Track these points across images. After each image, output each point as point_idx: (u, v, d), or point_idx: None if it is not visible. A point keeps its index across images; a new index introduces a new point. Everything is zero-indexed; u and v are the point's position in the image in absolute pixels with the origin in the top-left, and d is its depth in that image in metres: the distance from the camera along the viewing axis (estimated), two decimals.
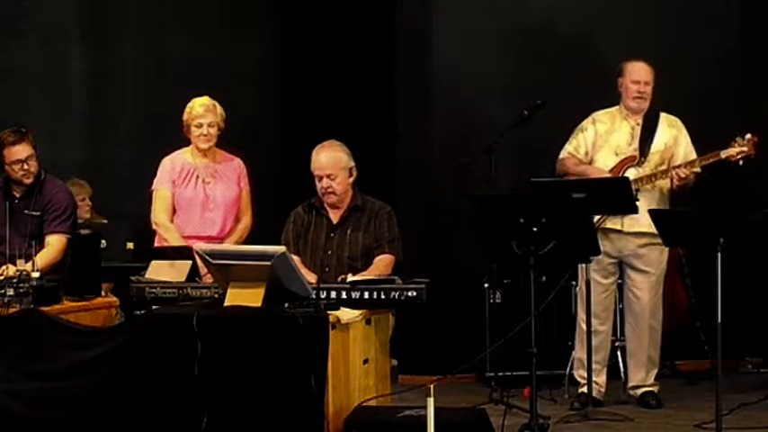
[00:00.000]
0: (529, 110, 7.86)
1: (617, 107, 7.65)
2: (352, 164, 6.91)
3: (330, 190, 6.85)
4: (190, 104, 7.39)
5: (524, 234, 6.54)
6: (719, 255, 6.32)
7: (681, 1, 8.81)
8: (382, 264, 6.77)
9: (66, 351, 6.14)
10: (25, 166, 6.94)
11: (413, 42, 8.80)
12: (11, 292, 6.26)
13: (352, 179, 6.91)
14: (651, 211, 6.80)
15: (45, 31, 8.94)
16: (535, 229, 6.51)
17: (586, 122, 7.66)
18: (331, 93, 8.94)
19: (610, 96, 7.79)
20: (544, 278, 7.59)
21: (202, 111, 7.36)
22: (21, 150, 6.92)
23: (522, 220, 6.53)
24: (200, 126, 7.36)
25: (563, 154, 7.66)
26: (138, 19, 9.06)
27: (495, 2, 8.72)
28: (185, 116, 7.38)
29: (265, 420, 5.77)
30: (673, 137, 7.55)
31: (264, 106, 9.06)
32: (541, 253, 6.54)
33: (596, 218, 7.38)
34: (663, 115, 7.61)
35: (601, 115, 7.66)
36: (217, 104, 7.41)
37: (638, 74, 7.55)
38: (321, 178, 6.86)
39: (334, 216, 6.92)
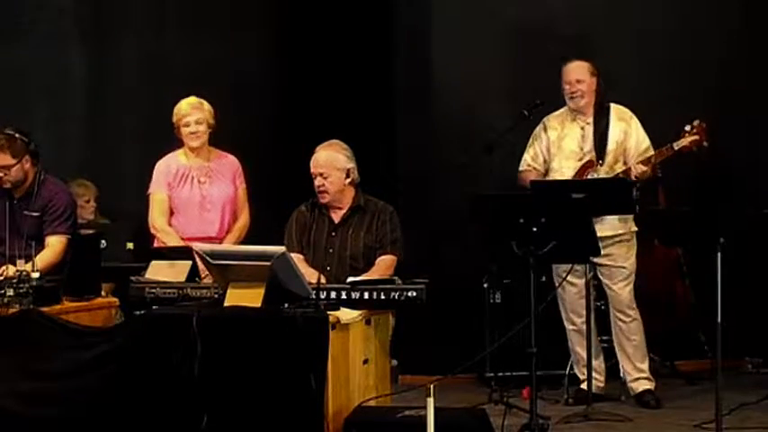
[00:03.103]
0: (529, 110, 7.86)
1: (565, 108, 7.71)
2: (351, 165, 6.90)
3: (323, 189, 6.86)
4: (177, 106, 7.42)
5: (524, 234, 6.54)
6: (719, 255, 6.32)
7: (680, 2, 8.80)
8: (384, 265, 6.78)
9: (66, 351, 6.14)
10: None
11: (413, 42, 8.80)
12: (11, 292, 6.26)
13: (348, 180, 6.90)
14: (651, 212, 6.81)
15: (45, 31, 8.93)
16: (535, 229, 6.51)
17: (539, 129, 7.74)
18: (330, 93, 8.93)
19: (609, 97, 7.78)
20: (544, 278, 7.60)
21: (189, 109, 7.37)
22: None
23: (522, 220, 6.54)
24: (188, 125, 7.37)
25: (522, 166, 7.75)
26: (138, 19, 9.06)
27: (495, 2, 8.72)
28: (174, 118, 7.40)
29: (265, 420, 5.77)
30: (623, 131, 7.57)
31: (264, 106, 9.05)
32: (541, 253, 6.54)
33: None
34: (613, 108, 7.63)
35: (552, 120, 7.72)
36: (204, 102, 7.42)
37: (567, 74, 7.65)
38: (315, 176, 6.88)
39: (336, 216, 6.93)
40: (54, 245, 6.91)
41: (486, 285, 8.27)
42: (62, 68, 8.98)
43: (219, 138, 7.55)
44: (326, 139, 7.02)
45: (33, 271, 6.36)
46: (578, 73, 7.62)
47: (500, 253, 7.23)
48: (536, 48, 8.64)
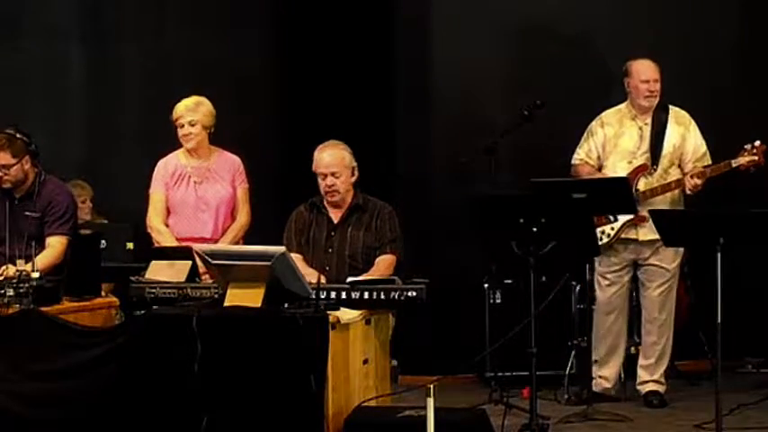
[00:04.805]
0: (529, 110, 7.86)
1: (624, 105, 7.64)
2: (354, 163, 6.92)
3: (334, 188, 6.86)
4: (176, 106, 7.41)
5: (524, 234, 6.54)
6: (719, 255, 6.32)
7: (681, 1, 8.80)
8: (384, 264, 6.78)
9: (67, 351, 6.15)
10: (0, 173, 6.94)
11: (413, 42, 8.80)
12: (11, 292, 6.26)
13: (353, 178, 6.92)
14: (651, 212, 6.81)
15: (45, 31, 8.93)
16: (535, 229, 6.51)
17: (595, 125, 7.64)
18: (331, 93, 8.93)
19: (610, 96, 7.79)
20: (544, 278, 7.59)
21: (183, 111, 7.36)
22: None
23: (522, 220, 6.53)
24: (182, 126, 7.37)
25: (576, 160, 7.67)
26: (138, 19, 9.05)
27: (495, 2, 8.72)
28: (172, 117, 7.40)
29: (265, 420, 5.78)
30: (681, 135, 7.54)
31: (264, 106, 9.05)
32: (541, 253, 6.54)
33: (613, 231, 7.41)
34: (672, 111, 7.59)
35: (609, 116, 7.64)
36: (202, 103, 7.39)
37: (646, 73, 7.54)
38: (325, 176, 6.87)
39: (335, 215, 6.93)
40: (55, 245, 6.91)
41: (486, 285, 8.27)
42: (62, 68, 8.98)
43: (219, 137, 7.54)
44: (327, 138, 7.02)
45: (33, 271, 6.36)
46: (656, 72, 7.53)
47: (500, 253, 7.23)
48: (536, 48, 8.64)
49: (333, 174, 6.85)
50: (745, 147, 7.38)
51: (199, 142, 7.40)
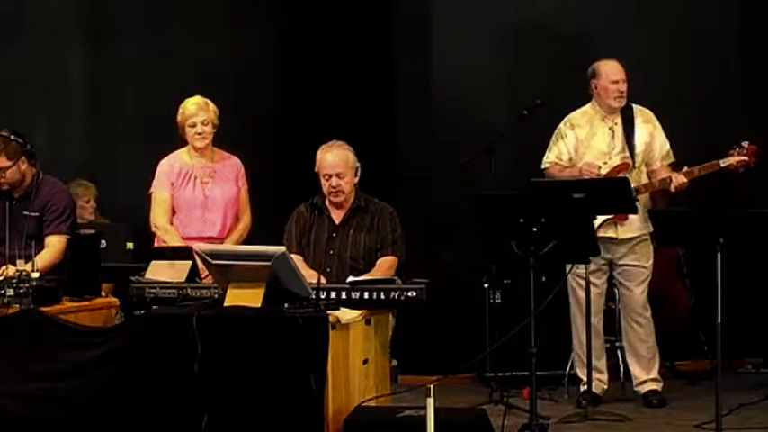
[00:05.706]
0: (529, 110, 7.86)
1: (590, 106, 7.64)
2: (358, 164, 6.93)
3: (339, 189, 6.85)
4: (182, 105, 7.40)
5: (524, 234, 6.54)
6: (719, 255, 6.32)
7: (681, 1, 8.80)
8: (385, 266, 6.78)
9: (67, 351, 6.15)
10: None
11: (413, 42, 8.80)
12: (11, 292, 6.27)
13: (357, 179, 6.92)
14: (651, 212, 6.81)
15: (45, 31, 8.93)
16: (535, 229, 6.51)
17: (564, 128, 7.64)
18: (331, 92, 8.93)
19: None
20: (544, 278, 7.59)
21: (195, 110, 7.36)
22: None
23: (522, 220, 6.53)
24: (194, 125, 7.36)
25: (545, 164, 7.66)
26: (138, 19, 9.06)
27: (495, 2, 8.72)
28: (179, 117, 7.39)
29: (265, 420, 5.78)
30: (649, 133, 7.55)
31: (264, 106, 9.05)
32: (541, 253, 6.54)
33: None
34: (637, 110, 7.59)
35: (578, 118, 7.64)
36: (209, 102, 7.41)
37: (615, 74, 7.53)
38: (330, 177, 6.86)
39: (337, 216, 6.93)
40: (54, 245, 6.91)
41: (486, 285, 8.27)
42: (62, 68, 8.98)
43: (219, 137, 7.54)
44: (327, 139, 7.02)
45: (33, 271, 6.36)
46: (623, 72, 7.51)
47: (500, 253, 7.23)
48: (536, 48, 8.64)
49: (337, 174, 6.85)
50: (734, 147, 7.37)
51: (208, 142, 7.42)
